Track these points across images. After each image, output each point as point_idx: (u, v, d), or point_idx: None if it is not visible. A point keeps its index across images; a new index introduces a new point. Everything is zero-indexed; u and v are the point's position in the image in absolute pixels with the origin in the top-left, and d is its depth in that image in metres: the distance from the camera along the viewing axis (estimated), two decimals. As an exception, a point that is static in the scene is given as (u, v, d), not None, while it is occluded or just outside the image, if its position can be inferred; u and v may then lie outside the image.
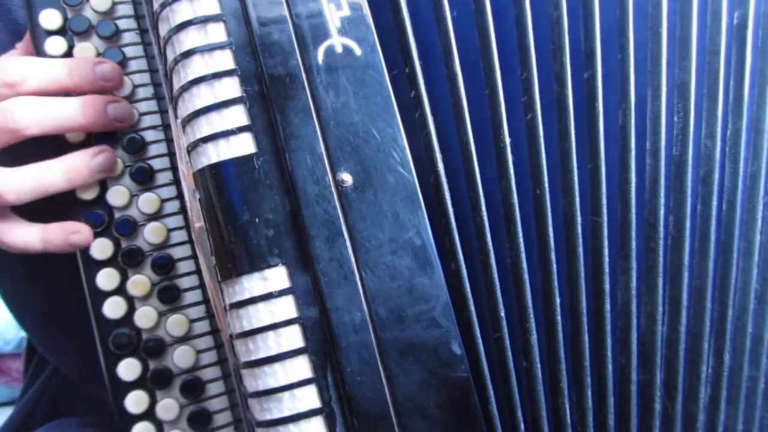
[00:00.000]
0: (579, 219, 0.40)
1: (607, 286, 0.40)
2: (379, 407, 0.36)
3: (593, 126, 0.41)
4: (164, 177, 0.48)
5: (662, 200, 0.41)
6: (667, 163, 0.41)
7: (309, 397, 0.36)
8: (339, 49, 0.38)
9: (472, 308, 0.38)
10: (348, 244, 0.36)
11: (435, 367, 0.36)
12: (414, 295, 0.37)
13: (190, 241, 0.48)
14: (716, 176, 0.42)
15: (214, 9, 0.37)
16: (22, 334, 1.66)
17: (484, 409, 0.37)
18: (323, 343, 0.36)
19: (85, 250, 0.47)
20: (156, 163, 0.48)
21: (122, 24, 0.49)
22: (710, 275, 0.41)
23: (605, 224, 0.40)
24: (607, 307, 0.40)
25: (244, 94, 0.37)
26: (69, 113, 0.44)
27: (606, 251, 0.40)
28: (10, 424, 0.59)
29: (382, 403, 0.36)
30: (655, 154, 0.41)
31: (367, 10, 0.38)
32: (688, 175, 0.41)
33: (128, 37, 0.49)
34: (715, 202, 0.42)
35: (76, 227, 0.46)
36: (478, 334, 0.38)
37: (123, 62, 0.48)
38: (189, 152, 0.38)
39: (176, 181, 0.48)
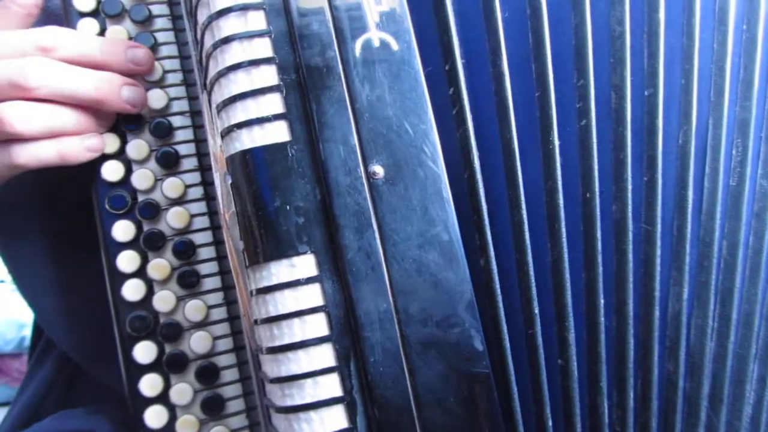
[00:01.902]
0: (631, 225, 0.40)
1: (657, 293, 0.41)
2: (400, 398, 0.36)
3: (652, 141, 0.41)
4: (189, 163, 0.49)
5: (718, 223, 0.42)
6: (725, 191, 0.42)
7: (331, 385, 0.36)
8: (376, 43, 0.38)
9: (500, 305, 0.38)
10: (376, 235, 0.37)
11: (456, 361, 0.37)
12: (439, 290, 0.37)
13: (212, 228, 0.48)
14: None
15: (255, -3, 0.38)
16: (23, 334, 1.65)
17: (506, 406, 0.38)
18: (348, 333, 0.36)
19: (107, 232, 0.47)
20: (182, 149, 0.48)
21: (155, 9, 0.49)
22: (759, 302, 0.43)
23: (659, 234, 0.41)
24: (657, 313, 0.41)
25: (281, 83, 0.37)
26: (83, 85, 0.44)
27: (658, 260, 0.41)
28: (20, 414, 0.59)
29: (403, 394, 0.36)
30: (714, 179, 0.42)
31: (405, 7, 0.39)
32: (743, 206, 0.42)
33: (160, 23, 0.50)
34: (767, 239, 0.43)
35: (89, 133, 0.46)
36: (505, 331, 0.38)
37: (154, 47, 0.49)
38: (223, 137, 0.38)
39: (201, 167, 0.49)
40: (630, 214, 0.41)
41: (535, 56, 0.41)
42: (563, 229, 0.40)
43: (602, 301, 0.40)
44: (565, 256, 0.40)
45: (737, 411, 0.43)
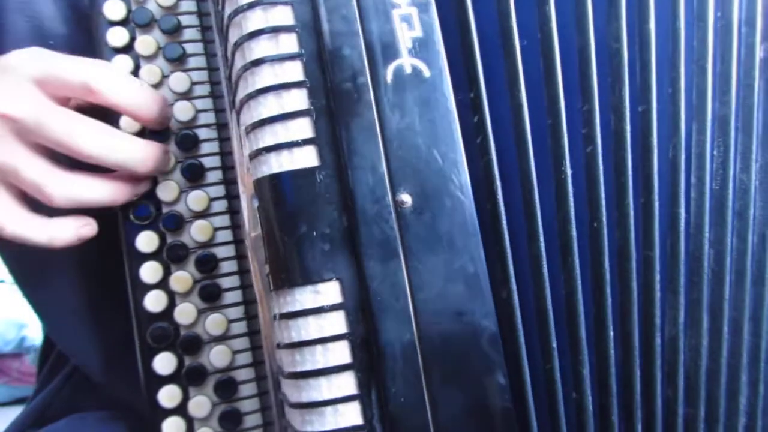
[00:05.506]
0: (634, 253, 0.40)
1: (657, 320, 0.40)
2: (420, 430, 0.36)
3: (647, 160, 0.41)
4: (214, 176, 0.49)
5: (706, 234, 0.41)
6: (710, 199, 0.41)
7: (352, 414, 0.36)
8: (408, 70, 0.38)
9: (521, 339, 0.38)
10: (402, 265, 0.36)
11: (479, 395, 0.36)
12: (463, 323, 0.37)
13: (235, 242, 0.48)
14: (751, 211, 0.42)
15: (288, 19, 0.38)
16: (23, 334, 1.66)
17: (526, 441, 0.38)
18: (370, 362, 0.36)
19: (130, 242, 0.47)
20: (207, 161, 0.48)
21: (184, 20, 0.49)
22: (747, 307, 0.42)
23: (657, 258, 0.40)
24: (658, 341, 0.40)
25: (311, 107, 0.37)
26: (100, 195, 0.45)
27: (657, 285, 0.40)
28: (26, 418, 0.60)
29: (423, 425, 0.36)
30: (700, 189, 0.41)
31: (438, 33, 0.38)
32: (728, 210, 0.41)
33: (189, 34, 0.49)
34: (750, 237, 0.42)
35: (84, 219, 0.47)
36: (526, 365, 0.38)
37: (182, 58, 0.49)
38: (251, 159, 0.38)
39: (225, 181, 0.49)
40: (633, 241, 0.40)
41: (547, 83, 0.40)
42: (576, 261, 0.39)
43: (611, 333, 0.39)
44: (579, 288, 0.39)
45: (732, 427, 0.42)
